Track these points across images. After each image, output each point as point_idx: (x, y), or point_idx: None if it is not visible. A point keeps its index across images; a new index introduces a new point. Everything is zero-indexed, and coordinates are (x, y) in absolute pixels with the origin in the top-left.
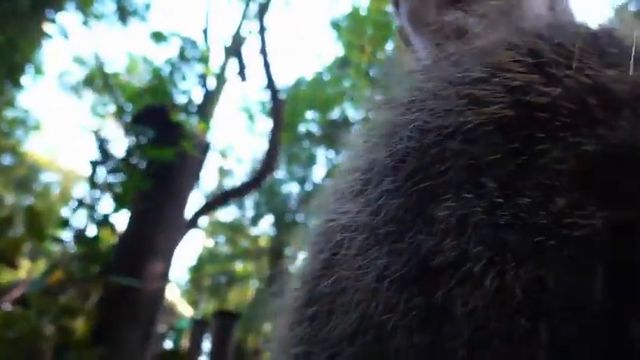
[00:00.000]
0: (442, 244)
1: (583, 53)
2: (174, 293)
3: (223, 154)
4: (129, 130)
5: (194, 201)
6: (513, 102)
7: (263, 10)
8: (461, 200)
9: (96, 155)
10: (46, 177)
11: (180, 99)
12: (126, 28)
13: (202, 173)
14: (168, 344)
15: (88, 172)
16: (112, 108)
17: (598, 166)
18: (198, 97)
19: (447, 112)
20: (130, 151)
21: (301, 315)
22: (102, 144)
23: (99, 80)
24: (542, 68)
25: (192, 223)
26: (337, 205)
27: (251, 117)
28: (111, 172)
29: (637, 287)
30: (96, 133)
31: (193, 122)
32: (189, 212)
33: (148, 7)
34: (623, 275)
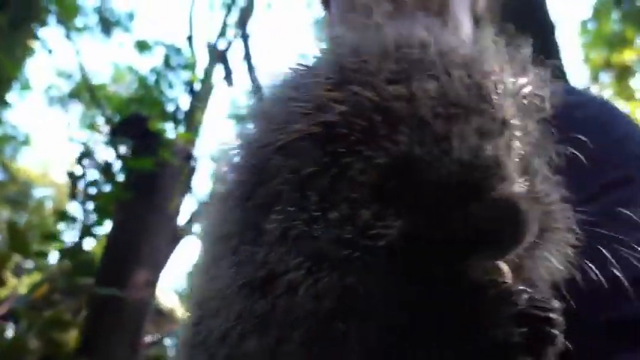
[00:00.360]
0: (269, 255)
1: (377, 68)
2: (172, 300)
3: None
4: (108, 141)
5: (187, 209)
6: (324, 122)
7: (245, 15)
8: (286, 213)
9: (76, 168)
10: (39, 192)
11: (168, 107)
12: (110, 39)
13: (194, 181)
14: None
15: (68, 185)
16: (99, 120)
17: (388, 177)
18: (185, 104)
19: (273, 129)
20: (108, 163)
21: (190, 318)
22: (81, 156)
23: (85, 92)
24: (342, 85)
25: (186, 230)
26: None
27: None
28: (90, 184)
29: (424, 287)
30: (78, 144)
31: (173, 130)
32: (181, 220)
33: (131, 17)
34: (416, 279)
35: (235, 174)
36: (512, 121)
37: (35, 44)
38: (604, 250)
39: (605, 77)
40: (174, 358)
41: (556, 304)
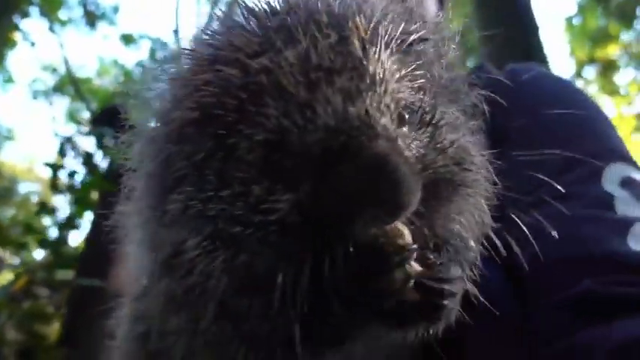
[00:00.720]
0: (169, 234)
1: (243, 43)
2: None
3: None
4: (90, 131)
5: None
6: (195, 102)
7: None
8: (185, 193)
9: (58, 159)
10: (24, 187)
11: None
12: (94, 31)
13: None
14: None
15: (48, 175)
16: (84, 113)
17: (270, 152)
18: None
19: (160, 119)
20: (89, 154)
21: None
22: (62, 147)
23: (70, 86)
24: (214, 65)
25: None
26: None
27: None
28: (71, 174)
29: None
30: (61, 136)
31: None
32: None
33: (116, 10)
34: (311, 250)
35: (141, 163)
36: (389, 73)
37: (17, 36)
38: (559, 229)
39: (590, 72)
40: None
41: (454, 272)
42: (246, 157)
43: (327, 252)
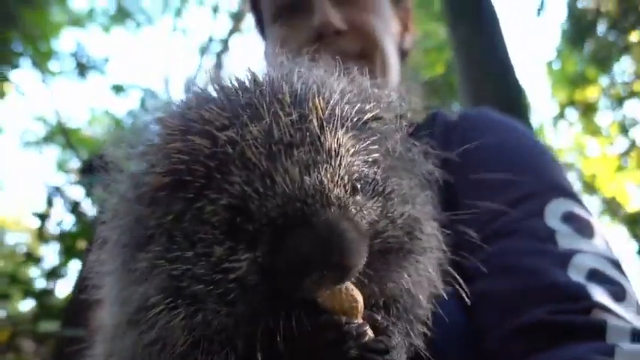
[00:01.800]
0: (136, 290)
1: (214, 116)
2: None
3: None
4: (78, 180)
5: None
6: (167, 169)
7: (221, 57)
8: (153, 252)
9: (44, 207)
10: (12, 238)
11: None
12: (85, 82)
13: None
14: None
15: (36, 224)
16: (74, 162)
17: (234, 216)
18: None
19: (132, 183)
20: (76, 202)
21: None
22: (50, 196)
23: (60, 136)
24: (186, 135)
25: None
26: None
27: None
28: (59, 223)
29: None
30: (49, 186)
31: None
32: None
33: (106, 60)
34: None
35: (114, 222)
36: (344, 148)
37: (8, 87)
38: (506, 264)
39: (572, 114)
40: None
41: (398, 337)
42: (211, 220)
43: (282, 312)
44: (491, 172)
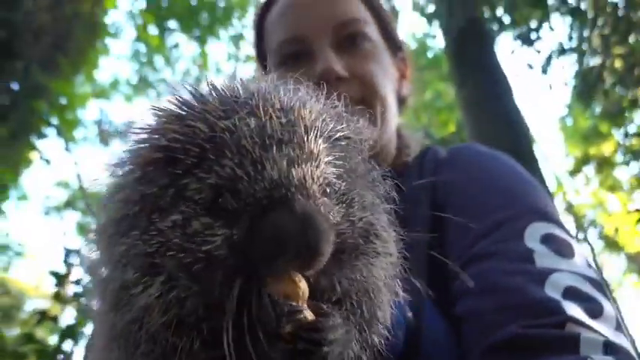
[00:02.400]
0: (114, 272)
1: (213, 108)
2: None
3: None
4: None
5: None
6: (163, 146)
7: None
8: (133, 236)
9: (62, 267)
10: (31, 304)
11: None
12: (108, 148)
13: None
14: None
15: (52, 285)
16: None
17: (218, 194)
18: None
19: (128, 162)
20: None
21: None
22: (67, 255)
23: (81, 201)
24: (184, 120)
25: None
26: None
27: None
28: (77, 282)
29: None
30: (67, 248)
31: None
32: None
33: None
34: (241, 279)
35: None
36: (321, 155)
37: (34, 155)
38: (487, 283)
39: (589, 170)
40: None
41: (340, 322)
42: (194, 197)
43: (247, 292)
44: (475, 199)
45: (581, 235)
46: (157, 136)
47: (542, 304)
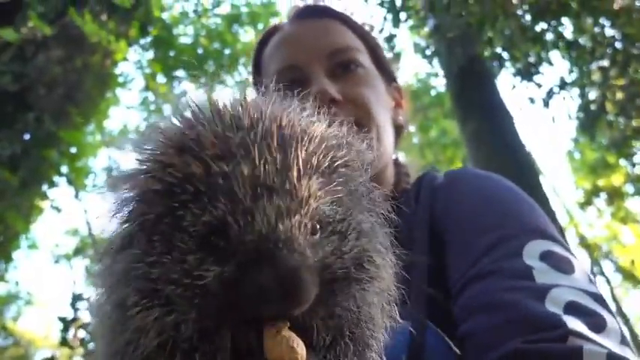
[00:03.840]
0: (112, 294)
1: (209, 144)
2: None
3: None
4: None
5: None
6: (160, 179)
7: None
8: (133, 254)
9: (70, 313)
10: (41, 354)
11: None
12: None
13: None
14: None
15: (59, 330)
16: None
17: (210, 232)
18: None
19: (128, 183)
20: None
21: None
22: (74, 300)
23: (90, 249)
24: (183, 153)
25: None
26: None
27: None
28: (84, 327)
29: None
30: (72, 292)
31: None
32: None
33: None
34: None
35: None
36: (313, 199)
37: (44, 204)
38: (488, 300)
39: (600, 202)
40: None
41: None
42: (189, 229)
43: (234, 326)
44: (472, 220)
45: (596, 269)
46: (156, 167)
47: (542, 319)
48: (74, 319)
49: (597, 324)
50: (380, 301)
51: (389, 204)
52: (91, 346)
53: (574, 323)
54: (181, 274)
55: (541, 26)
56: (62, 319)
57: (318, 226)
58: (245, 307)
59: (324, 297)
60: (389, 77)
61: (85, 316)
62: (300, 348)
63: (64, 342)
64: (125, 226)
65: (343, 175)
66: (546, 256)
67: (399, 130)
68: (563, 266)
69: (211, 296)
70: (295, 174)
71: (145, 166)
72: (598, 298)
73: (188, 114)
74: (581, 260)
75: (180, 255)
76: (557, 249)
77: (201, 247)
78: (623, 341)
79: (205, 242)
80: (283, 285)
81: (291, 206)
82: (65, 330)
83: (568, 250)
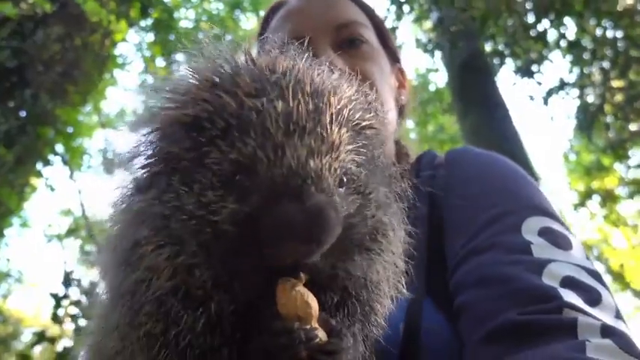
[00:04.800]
0: (128, 229)
1: (243, 82)
2: None
3: None
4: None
5: None
6: (192, 111)
7: None
8: (151, 194)
9: (60, 289)
10: (29, 333)
11: None
12: (112, 177)
13: None
14: None
15: (51, 306)
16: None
17: (236, 170)
18: None
19: (152, 115)
20: (93, 283)
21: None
22: (67, 277)
23: (83, 229)
24: (216, 92)
25: None
26: None
27: None
28: (75, 303)
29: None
30: (66, 272)
31: None
32: None
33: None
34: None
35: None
36: (342, 146)
37: (38, 182)
38: (487, 273)
39: (594, 204)
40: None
41: (346, 342)
42: (213, 167)
43: (241, 270)
44: (472, 197)
45: None
46: (187, 100)
47: (538, 292)
48: (65, 296)
49: (593, 298)
50: (386, 272)
51: (406, 181)
52: (81, 322)
53: (570, 296)
54: (196, 206)
55: (544, 25)
56: (54, 296)
57: (345, 179)
58: (266, 243)
59: (340, 251)
60: (393, 57)
61: (76, 294)
62: (313, 301)
63: (55, 318)
64: (145, 169)
65: (368, 138)
66: (545, 232)
67: (401, 110)
68: (561, 242)
69: (222, 236)
70: (328, 119)
71: (172, 101)
72: (594, 274)
73: (221, 61)
74: (578, 238)
75: (200, 190)
76: (556, 226)
77: (223, 184)
78: (617, 315)
79: (229, 181)
80: (309, 219)
81: (322, 148)
82: (57, 306)
83: (566, 227)
